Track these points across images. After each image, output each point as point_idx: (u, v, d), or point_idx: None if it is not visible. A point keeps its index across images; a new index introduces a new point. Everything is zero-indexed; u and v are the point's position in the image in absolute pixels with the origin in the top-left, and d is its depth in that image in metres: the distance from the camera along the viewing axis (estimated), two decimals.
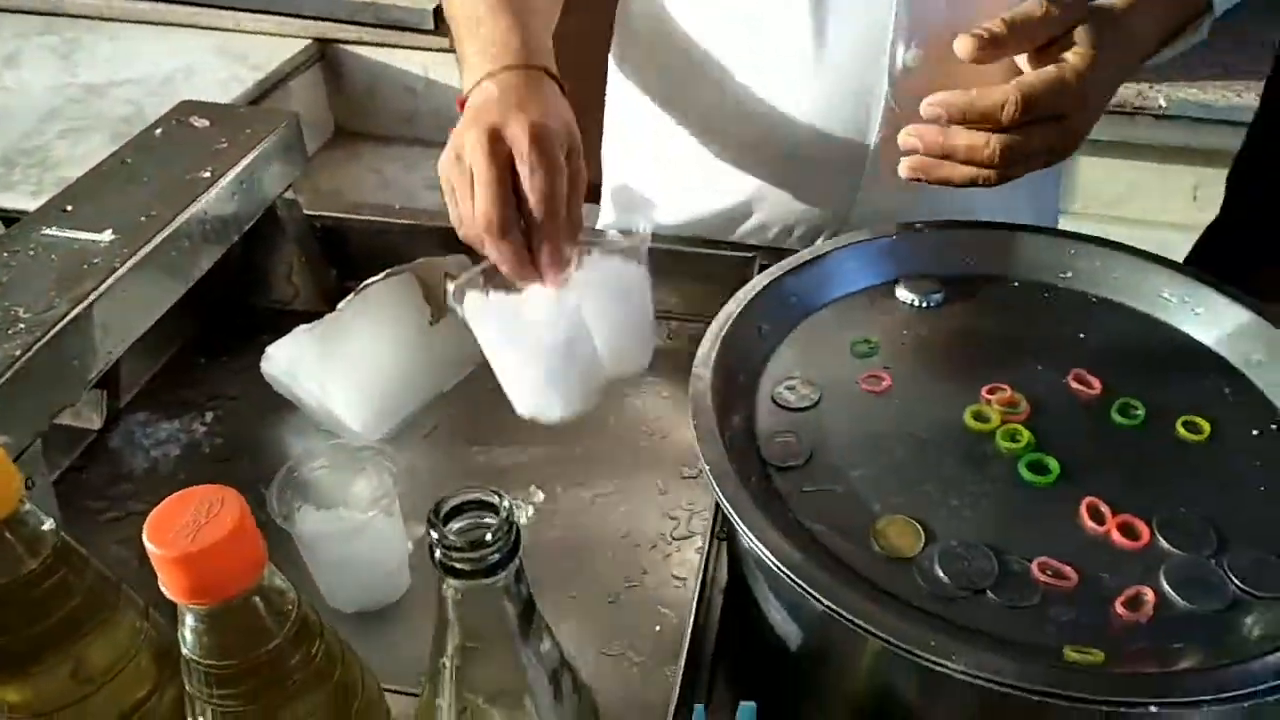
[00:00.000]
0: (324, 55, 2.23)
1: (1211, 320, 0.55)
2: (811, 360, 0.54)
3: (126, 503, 0.67)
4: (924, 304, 0.58)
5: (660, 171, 0.88)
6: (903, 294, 0.59)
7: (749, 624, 0.51)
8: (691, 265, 0.83)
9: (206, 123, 0.77)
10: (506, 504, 0.30)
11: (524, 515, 0.67)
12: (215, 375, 0.79)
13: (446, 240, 0.84)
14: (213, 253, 0.70)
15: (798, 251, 0.60)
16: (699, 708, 0.44)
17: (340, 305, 0.73)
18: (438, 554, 0.29)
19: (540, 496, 0.69)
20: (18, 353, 0.52)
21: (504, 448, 0.72)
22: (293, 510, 0.57)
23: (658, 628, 0.60)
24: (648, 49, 0.85)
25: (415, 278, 0.72)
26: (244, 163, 0.72)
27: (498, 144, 0.59)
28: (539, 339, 0.61)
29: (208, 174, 0.70)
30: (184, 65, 2.10)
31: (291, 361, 0.69)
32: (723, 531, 0.59)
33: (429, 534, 0.29)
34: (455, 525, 0.30)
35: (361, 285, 0.74)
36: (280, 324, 0.80)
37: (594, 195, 0.95)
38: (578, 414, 0.64)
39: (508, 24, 0.66)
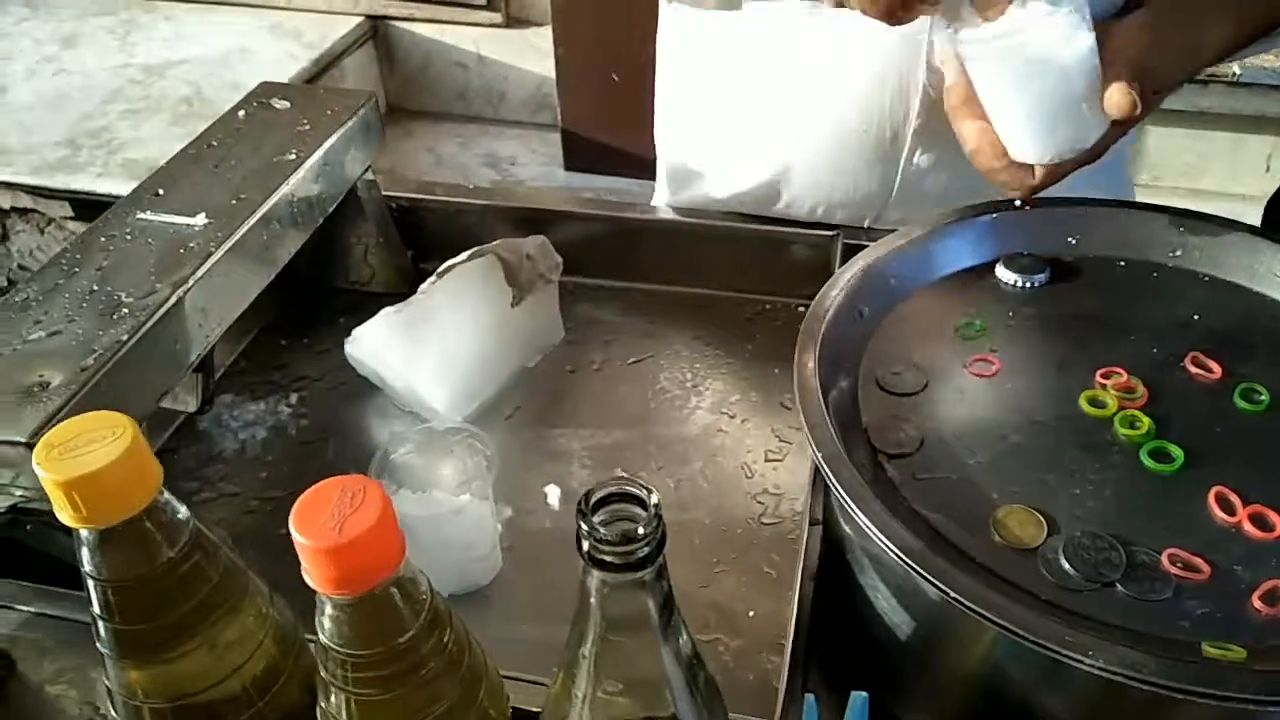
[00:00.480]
0: (376, 32, 2.23)
1: None
2: (916, 344, 0.53)
3: (218, 484, 0.68)
4: (1029, 285, 0.56)
5: (710, 147, 0.87)
6: (1005, 275, 0.57)
7: (851, 613, 0.51)
8: (768, 244, 0.82)
9: (287, 104, 0.77)
10: (655, 498, 0.30)
11: None
12: (297, 357, 0.79)
13: (521, 220, 0.85)
14: (300, 235, 0.71)
15: (874, 230, 0.59)
16: (810, 698, 0.44)
17: (423, 287, 0.73)
18: (585, 546, 0.29)
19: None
20: (124, 337, 0.53)
21: (585, 429, 0.72)
22: (390, 494, 0.57)
23: (751, 613, 0.60)
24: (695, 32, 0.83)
25: (498, 259, 0.71)
26: (327, 144, 0.72)
27: None
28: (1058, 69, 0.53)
29: (293, 156, 0.70)
30: (239, 45, 2.12)
31: (378, 343, 0.70)
32: (816, 518, 0.59)
33: (578, 524, 0.29)
34: (598, 517, 0.30)
35: (444, 266, 0.74)
36: (358, 305, 0.80)
37: (651, 171, 0.94)
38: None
39: None
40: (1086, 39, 0.52)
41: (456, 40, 2.18)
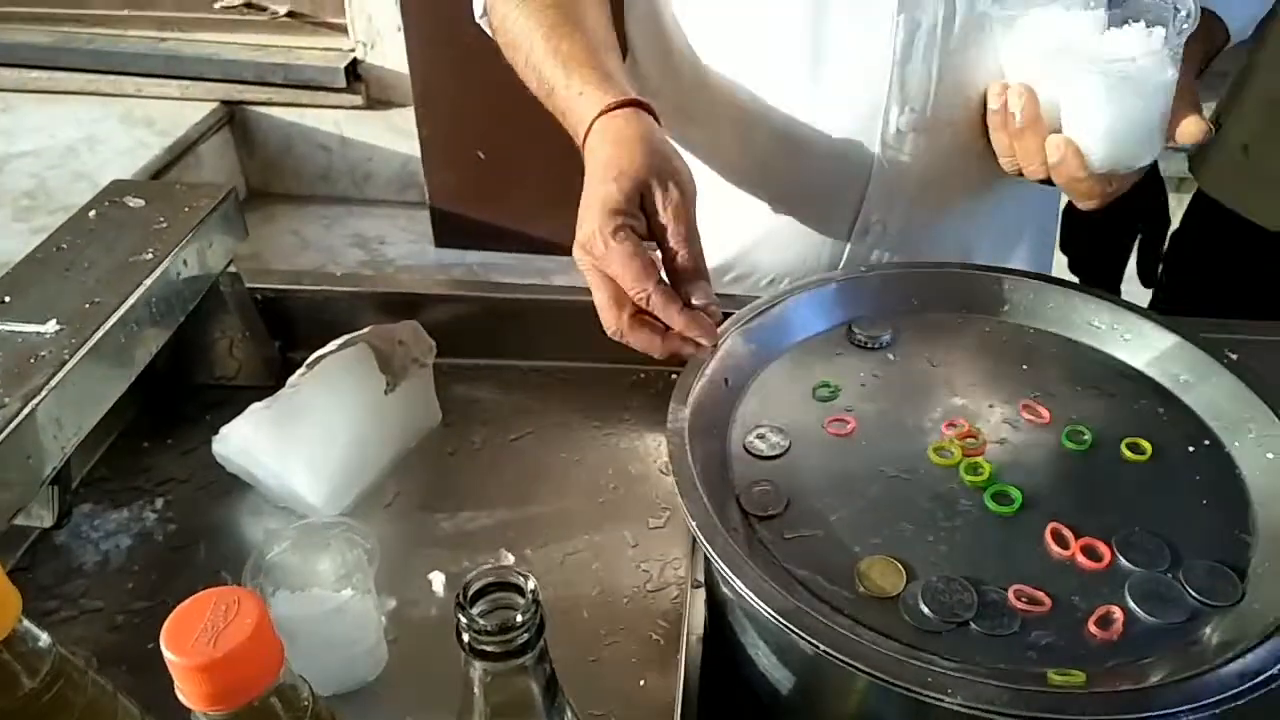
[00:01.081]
0: (233, 117, 2.20)
1: (1140, 345, 0.59)
2: (777, 408, 0.56)
3: (79, 600, 0.65)
4: (876, 344, 0.61)
5: None
6: (855, 336, 0.62)
7: (734, 671, 0.52)
8: None
9: (141, 202, 0.75)
10: (532, 584, 0.31)
11: None
12: (161, 459, 0.76)
13: (391, 305, 0.85)
14: (161, 335, 0.69)
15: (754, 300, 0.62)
16: None
17: (292, 379, 0.72)
18: (466, 637, 0.30)
19: (510, 559, 0.69)
20: None
21: (467, 512, 0.72)
22: (266, 596, 0.56)
23: (641, 683, 0.61)
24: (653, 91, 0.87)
25: (370, 347, 0.71)
26: (186, 241, 0.71)
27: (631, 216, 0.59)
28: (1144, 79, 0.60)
29: (150, 255, 0.69)
30: (85, 135, 2.05)
31: (247, 441, 0.68)
32: (698, 581, 0.60)
33: (457, 617, 0.30)
34: (478, 607, 0.31)
35: (314, 357, 0.73)
36: (224, 400, 0.79)
37: (522, 244, 0.97)
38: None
39: (586, 51, 0.68)
40: (1173, 73, 0.60)
41: (317, 122, 2.18)
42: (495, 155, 1.94)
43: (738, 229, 0.85)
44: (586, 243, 0.60)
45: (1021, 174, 0.69)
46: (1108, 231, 0.85)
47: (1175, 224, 1.07)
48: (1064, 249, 1.09)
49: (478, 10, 0.81)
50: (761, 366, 0.59)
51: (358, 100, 2.12)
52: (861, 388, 0.58)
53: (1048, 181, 0.67)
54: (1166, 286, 1.12)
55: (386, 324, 0.76)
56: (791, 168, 0.80)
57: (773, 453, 0.53)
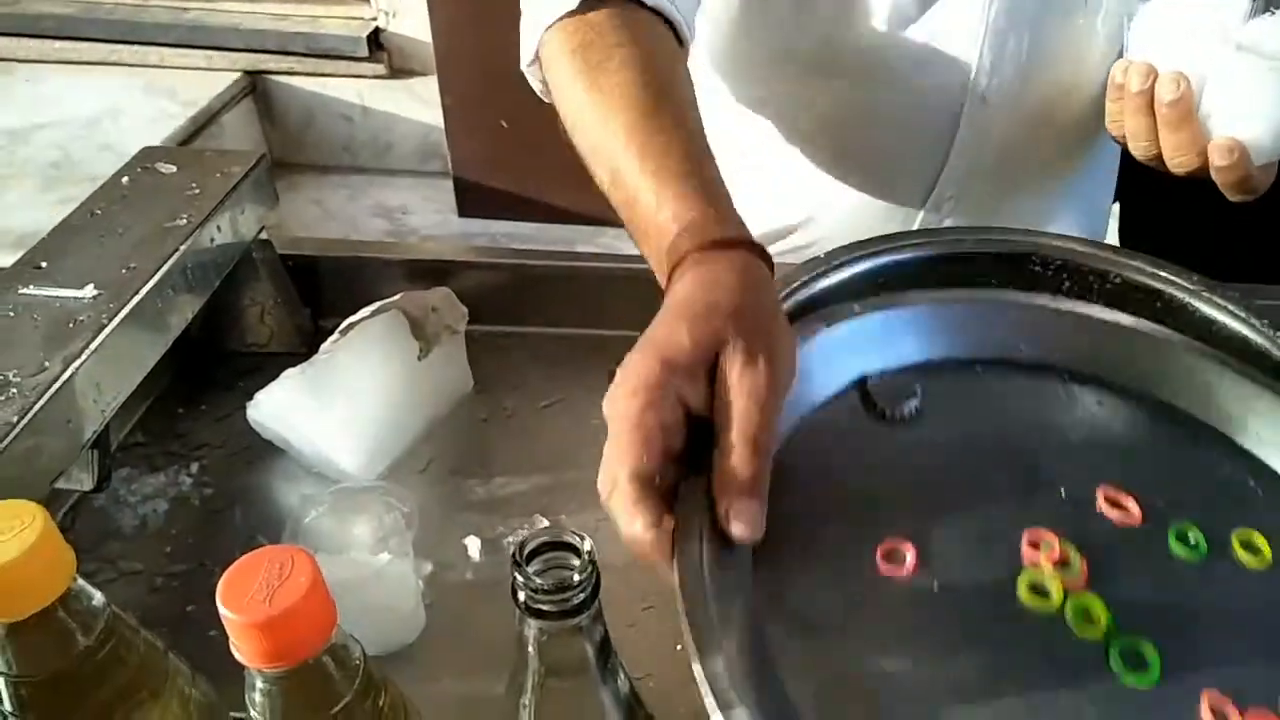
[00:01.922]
0: (255, 87, 2.20)
1: (1231, 392, 0.49)
2: (809, 547, 0.44)
3: (118, 563, 0.65)
4: (899, 414, 0.48)
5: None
6: (874, 402, 0.48)
7: None
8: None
9: (173, 168, 0.75)
10: (588, 544, 0.30)
11: None
12: (196, 424, 0.77)
13: (422, 272, 0.85)
14: (195, 301, 0.69)
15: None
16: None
17: (325, 345, 0.72)
18: (521, 596, 0.29)
19: (544, 523, 0.69)
20: (14, 418, 0.51)
21: (502, 477, 0.72)
22: None
23: (679, 647, 0.60)
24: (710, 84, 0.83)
25: (403, 313, 0.71)
26: (219, 207, 0.71)
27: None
28: None
29: (184, 221, 0.69)
30: (109, 105, 2.05)
31: (282, 407, 0.68)
32: None
33: (513, 575, 0.30)
34: (533, 566, 0.30)
35: (346, 324, 0.73)
36: (257, 367, 0.79)
37: (545, 214, 0.96)
38: None
39: (684, 160, 0.51)
40: None
41: (339, 93, 2.17)
42: (519, 124, 1.93)
43: (800, 193, 0.83)
44: (614, 384, 0.47)
45: (1158, 160, 0.65)
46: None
47: None
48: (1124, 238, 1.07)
49: (526, 56, 0.67)
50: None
51: (380, 69, 2.10)
52: (899, 483, 0.45)
53: (1194, 174, 0.64)
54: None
55: (419, 290, 0.76)
56: (868, 134, 0.78)
57: (820, 621, 0.41)
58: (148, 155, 0.78)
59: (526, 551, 0.30)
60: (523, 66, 0.69)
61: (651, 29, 0.61)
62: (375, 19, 2.07)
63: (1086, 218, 0.86)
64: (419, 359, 0.72)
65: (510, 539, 0.67)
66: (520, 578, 0.29)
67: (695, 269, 0.46)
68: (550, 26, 0.61)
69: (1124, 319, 0.56)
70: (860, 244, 0.64)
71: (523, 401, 0.79)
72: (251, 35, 2.09)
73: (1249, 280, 0.85)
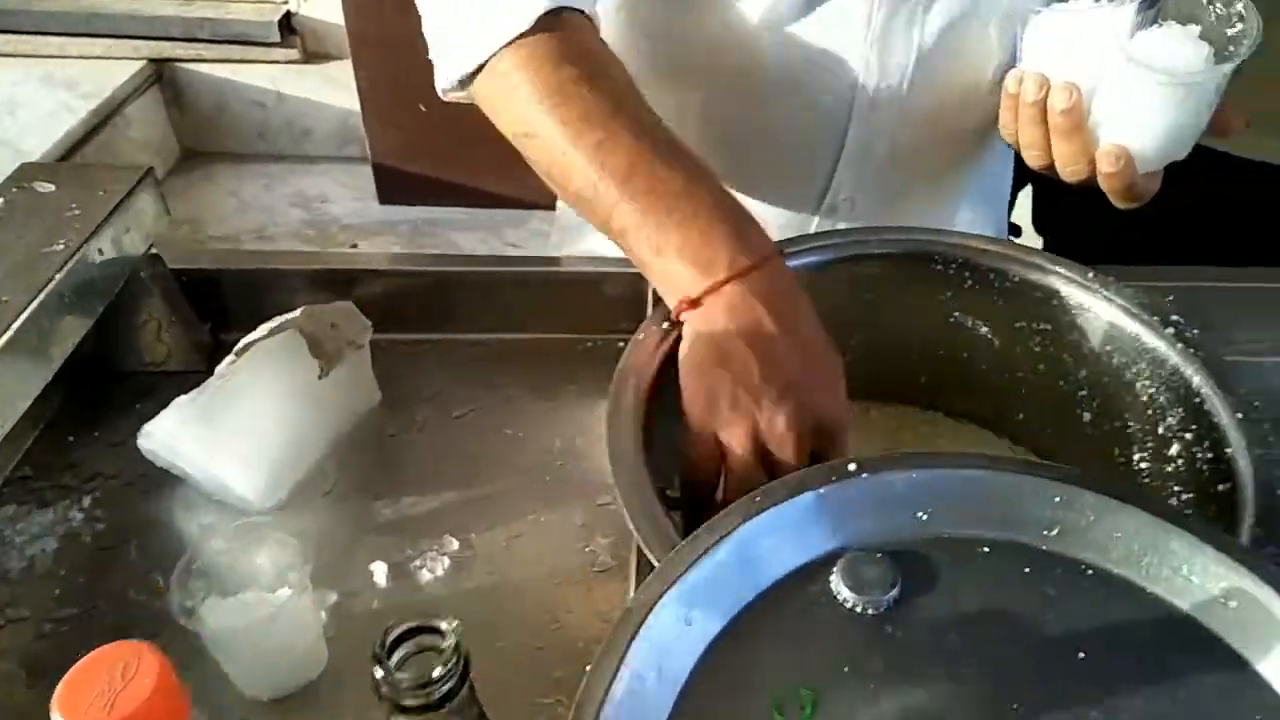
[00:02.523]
0: (162, 76, 2.11)
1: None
2: None
3: (4, 610, 0.62)
4: (873, 607, 0.40)
5: None
6: (842, 591, 0.40)
7: None
8: (581, 285, 0.82)
9: (51, 186, 0.71)
10: (452, 628, 0.29)
11: (440, 566, 0.66)
12: (88, 453, 0.73)
13: (323, 282, 0.82)
14: (81, 325, 0.66)
15: None
16: None
17: (220, 367, 0.69)
18: (384, 690, 0.28)
19: (455, 544, 0.67)
20: None
21: (410, 497, 0.70)
22: (198, 604, 0.54)
23: (589, 668, 0.60)
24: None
25: (299, 332, 0.69)
26: (102, 227, 0.68)
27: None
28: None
29: (62, 246, 0.65)
30: (4, 99, 1.95)
31: (172, 437, 0.66)
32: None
33: (373, 671, 0.28)
34: (398, 654, 0.29)
35: (242, 343, 0.70)
36: (154, 388, 0.76)
37: (468, 198, 0.93)
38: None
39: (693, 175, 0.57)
40: (1227, 75, 0.61)
41: (251, 79, 2.09)
42: (438, 108, 1.88)
43: None
44: (833, 402, 0.51)
45: (1051, 169, 0.66)
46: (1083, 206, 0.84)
47: None
48: (1040, 230, 1.08)
49: (449, 79, 0.67)
50: (700, 655, 0.39)
51: (293, 54, 2.04)
52: (858, 691, 0.37)
53: (1084, 182, 0.65)
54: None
55: (319, 304, 0.74)
56: (756, 140, 0.77)
57: None
58: (24, 173, 0.74)
59: (389, 641, 0.29)
60: (444, 87, 0.68)
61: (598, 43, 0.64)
62: (286, 3, 1.99)
63: (986, 207, 0.87)
64: (320, 377, 0.70)
65: (418, 563, 0.66)
66: (381, 672, 0.28)
67: (763, 278, 0.53)
68: (500, 50, 0.62)
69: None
70: None
71: (433, 413, 0.77)
72: (154, 22, 2.00)
73: (1158, 258, 0.87)
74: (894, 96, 0.71)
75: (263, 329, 0.71)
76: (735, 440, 0.51)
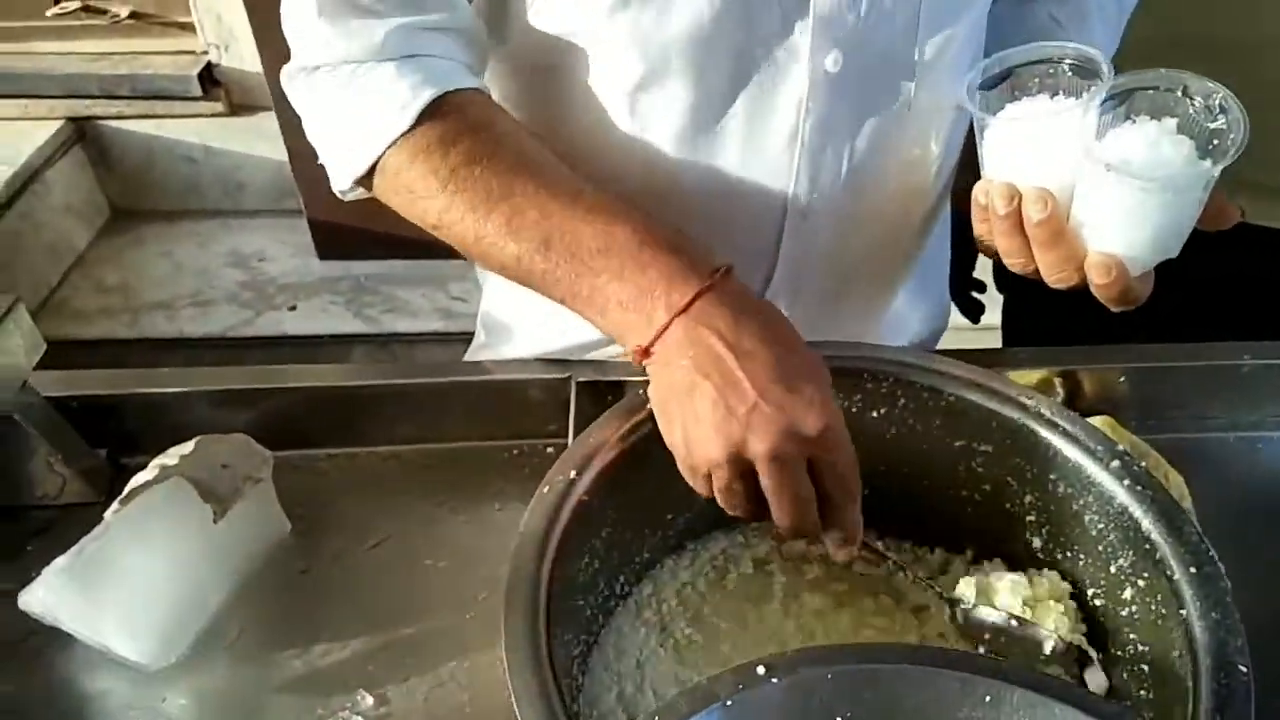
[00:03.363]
0: (84, 135, 2.03)
1: None
2: None
3: None
4: None
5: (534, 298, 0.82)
6: None
7: None
8: (502, 391, 0.77)
9: None
10: None
11: None
12: None
13: (220, 401, 0.76)
14: None
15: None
16: None
17: (107, 515, 0.64)
18: None
19: (369, 701, 0.62)
20: None
21: (321, 645, 0.65)
22: None
23: None
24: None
25: (185, 479, 0.63)
26: None
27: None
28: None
29: None
30: None
31: (48, 608, 0.60)
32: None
33: None
34: None
35: (128, 489, 0.65)
36: (50, 524, 0.71)
37: (409, 250, 0.86)
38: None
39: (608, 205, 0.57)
40: (1209, 164, 0.56)
41: (178, 134, 2.02)
42: None
43: None
44: (819, 417, 0.50)
45: (1036, 274, 0.62)
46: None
47: None
48: (1001, 287, 1.05)
49: (343, 183, 0.66)
50: None
51: (219, 107, 1.96)
52: None
53: (1075, 288, 0.61)
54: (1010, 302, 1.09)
55: (212, 438, 0.68)
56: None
57: None
58: None
59: None
60: (341, 189, 0.67)
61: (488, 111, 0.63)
62: (206, 53, 1.92)
63: (925, 291, 0.83)
64: (215, 521, 0.64)
65: None
66: None
67: (724, 294, 0.53)
68: (394, 143, 0.60)
69: None
70: None
71: (348, 542, 0.72)
72: (71, 79, 1.93)
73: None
74: (826, 206, 0.68)
75: (152, 468, 0.66)
76: (718, 476, 0.52)
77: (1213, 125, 0.56)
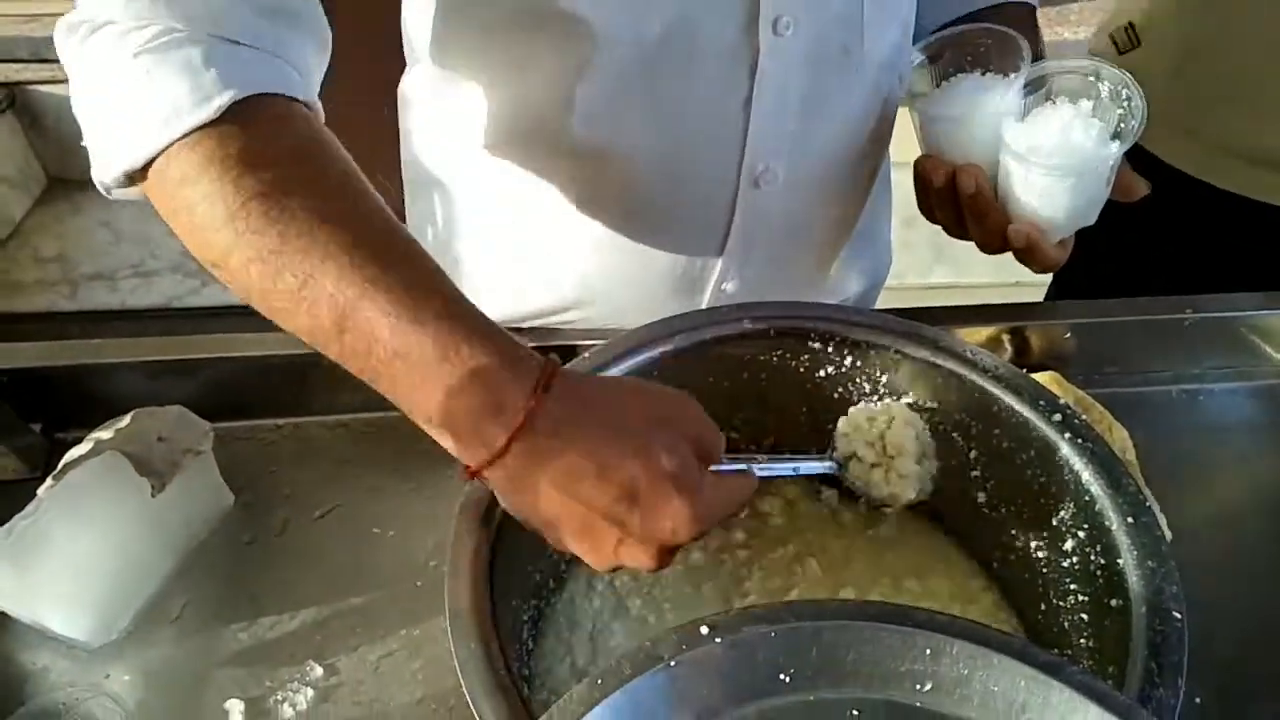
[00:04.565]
0: (15, 100, 1.95)
1: None
2: None
3: None
4: None
5: (505, 264, 0.79)
6: None
7: None
8: None
9: None
10: None
11: (303, 699, 0.60)
12: None
13: (159, 373, 0.74)
14: None
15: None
16: None
17: (42, 490, 0.62)
18: None
19: (319, 671, 0.61)
20: None
21: (268, 617, 0.64)
22: None
23: None
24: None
25: (121, 453, 0.61)
26: None
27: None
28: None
29: None
30: None
31: None
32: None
33: None
34: None
35: (63, 463, 0.63)
36: None
37: None
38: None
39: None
40: (1116, 147, 0.61)
41: None
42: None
43: (577, 274, 0.76)
44: (689, 458, 0.43)
45: (969, 239, 0.67)
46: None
47: None
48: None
49: (109, 174, 0.51)
50: None
51: None
52: None
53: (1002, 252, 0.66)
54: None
55: (148, 411, 0.66)
56: (642, 221, 0.72)
57: None
58: None
59: None
60: (104, 182, 0.53)
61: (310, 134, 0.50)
62: None
63: (867, 249, 0.83)
64: (153, 495, 0.63)
65: (279, 696, 0.60)
66: None
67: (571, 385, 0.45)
68: (179, 141, 0.47)
69: None
70: (636, 332, 0.58)
71: (294, 512, 0.71)
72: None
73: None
74: (776, 178, 0.68)
75: (86, 442, 0.64)
76: (633, 548, 0.43)
77: (1119, 110, 0.61)
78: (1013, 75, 0.63)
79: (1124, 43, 0.94)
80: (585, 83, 0.62)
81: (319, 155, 0.49)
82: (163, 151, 0.47)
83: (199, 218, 0.46)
